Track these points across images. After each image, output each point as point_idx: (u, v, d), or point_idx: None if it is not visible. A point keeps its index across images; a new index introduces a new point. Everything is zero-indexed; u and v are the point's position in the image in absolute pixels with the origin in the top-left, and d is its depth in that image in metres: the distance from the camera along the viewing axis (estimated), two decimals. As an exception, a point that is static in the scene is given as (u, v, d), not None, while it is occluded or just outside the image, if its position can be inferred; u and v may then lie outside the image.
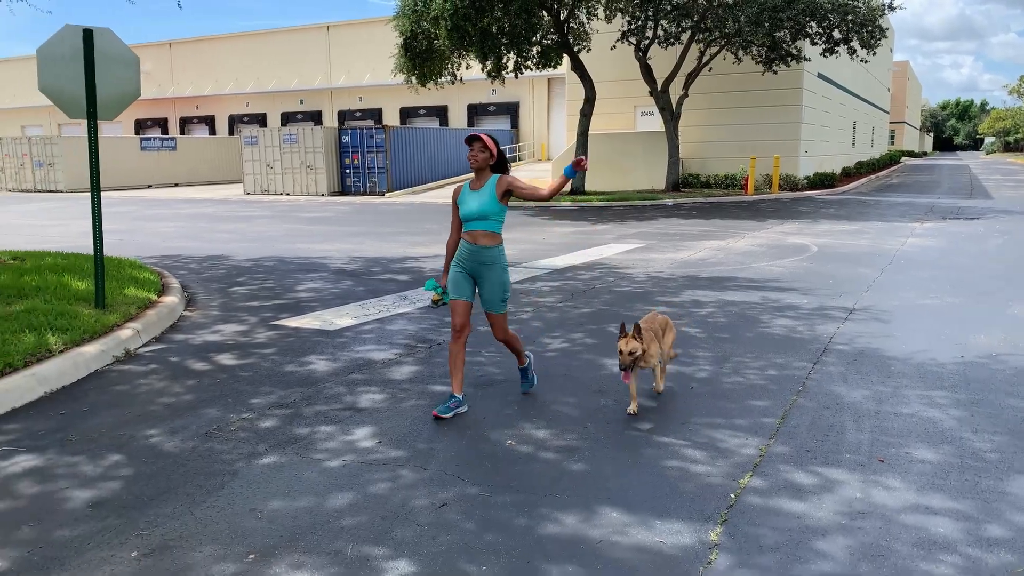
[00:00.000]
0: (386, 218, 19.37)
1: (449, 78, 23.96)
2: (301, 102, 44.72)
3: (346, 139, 30.20)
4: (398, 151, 30.05)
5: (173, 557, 3.05)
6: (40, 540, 3.18)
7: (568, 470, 3.87)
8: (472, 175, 4.77)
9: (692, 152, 26.17)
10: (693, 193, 23.55)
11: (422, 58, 22.92)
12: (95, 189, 6.89)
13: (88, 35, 6.59)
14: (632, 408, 4.62)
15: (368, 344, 6.41)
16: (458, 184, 4.90)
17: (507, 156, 6.31)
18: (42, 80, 6.59)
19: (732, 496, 3.52)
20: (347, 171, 30.30)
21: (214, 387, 5.28)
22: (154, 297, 7.70)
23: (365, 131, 30.21)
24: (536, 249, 12.49)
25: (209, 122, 47.65)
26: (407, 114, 42.21)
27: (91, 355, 5.72)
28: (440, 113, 41.48)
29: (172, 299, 7.79)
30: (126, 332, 6.36)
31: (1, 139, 35.43)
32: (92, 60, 6.61)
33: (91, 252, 7.78)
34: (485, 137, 4.63)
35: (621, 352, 4.45)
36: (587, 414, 4.69)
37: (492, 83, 23.68)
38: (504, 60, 22.15)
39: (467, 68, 24.11)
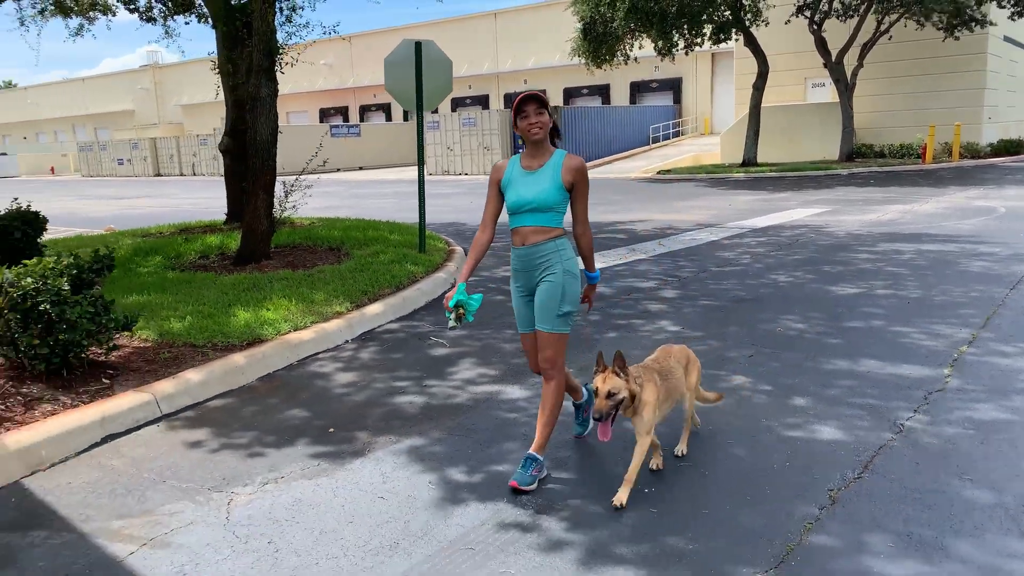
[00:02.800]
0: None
1: (622, 58, 25.50)
2: (470, 87, 47.53)
3: (520, 120, 32.50)
4: (567, 130, 31.96)
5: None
6: (474, 377, 5.25)
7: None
8: (519, 152, 3.60)
9: (866, 122, 26.31)
10: (867, 163, 23.87)
11: (598, 41, 24.59)
12: (420, 164, 9.18)
13: (418, 46, 8.81)
14: (655, 463, 3.59)
15: (628, 278, 8.27)
16: (500, 161, 3.63)
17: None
18: (387, 82, 8.91)
19: (955, 355, 5.07)
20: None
21: (537, 300, 7.32)
22: (446, 248, 9.97)
23: (538, 112, 32.36)
24: (728, 213, 13.96)
25: (386, 109, 51.54)
26: (570, 94, 44.00)
27: (441, 279, 7.96)
28: (602, 92, 42.98)
29: (459, 249, 10.02)
30: (451, 266, 8.59)
31: (211, 134, 40.57)
32: (420, 65, 8.84)
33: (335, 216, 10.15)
34: (538, 94, 3.42)
35: (597, 393, 3.26)
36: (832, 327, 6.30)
37: (661, 60, 24.97)
38: (675, 38, 23.43)
39: (639, 48, 25.52)
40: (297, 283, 7.31)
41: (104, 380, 4.74)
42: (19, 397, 4.39)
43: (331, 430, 4.21)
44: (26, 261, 4.70)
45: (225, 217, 12.86)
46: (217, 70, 12.07)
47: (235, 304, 6.48)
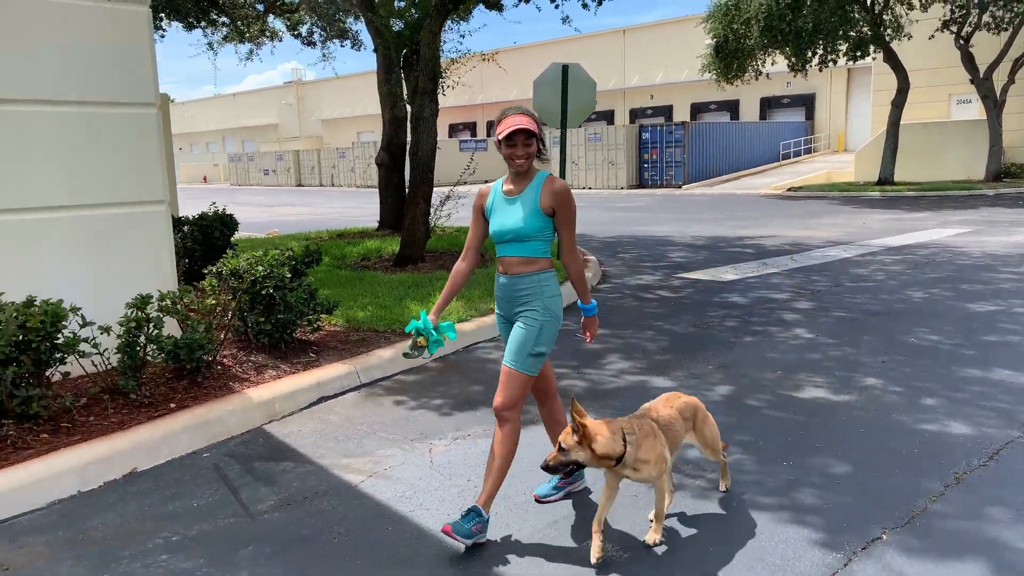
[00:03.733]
0: (695, 207, 21.50)
1: (754, 74, 25.44)
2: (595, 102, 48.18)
3: (645, 136, 32.83)
4: (695, 145, 32.01)
5: (735, 370, 5.50)
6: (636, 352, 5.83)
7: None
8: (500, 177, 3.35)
9: (1016, 140, 25.04)
10: (1017, 183, 22.74)
11: (730, 57, 24.68)
12: (562, 175, 9.88)
13: (565, 68, 9.55)
14: (593, 555, 3.00)
15: (761, 290, 8.63)
16: (484, 185, 3.39)
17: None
18: (535, 101, 9.70)
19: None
20: (645, 165, 32.92)
21: (673, 306, 7.84)
22: (580, 256, 10.62)
23: (664, 128, 32.61)
24: (861, 231, 13.91)
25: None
26: (697, 109, 43.85)
27: (580, 285, 8.61)
28: (731, 107, 42.60)
29: (593, 258, 10.65)
30: (589, 274, 9.23)
31: (349, 147, 43.12)
32: (566, 85, 9.57)
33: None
34: (528, 121, 3.14)
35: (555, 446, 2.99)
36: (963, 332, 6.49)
37: (795, 75, 24.73)
38: (810, 55, 23.20)
39: (772, 64, 25.38)
40: (454, 283, 8.15)
41: (311, 354, 5.67)
42: (250, 363, 5.37)
43: (503, 403, 4.93)
44: (253, 253, 5.70)
45: (377, 224, 14.04)
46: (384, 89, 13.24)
47: (405, 298, 7.38)
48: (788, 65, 23.98)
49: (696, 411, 3.43)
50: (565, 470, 3.03)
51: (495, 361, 5.93)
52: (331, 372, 5.28)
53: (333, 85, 58.69)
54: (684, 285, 9.08)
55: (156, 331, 4.62)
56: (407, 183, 10.63)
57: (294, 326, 5.66)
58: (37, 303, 4.21)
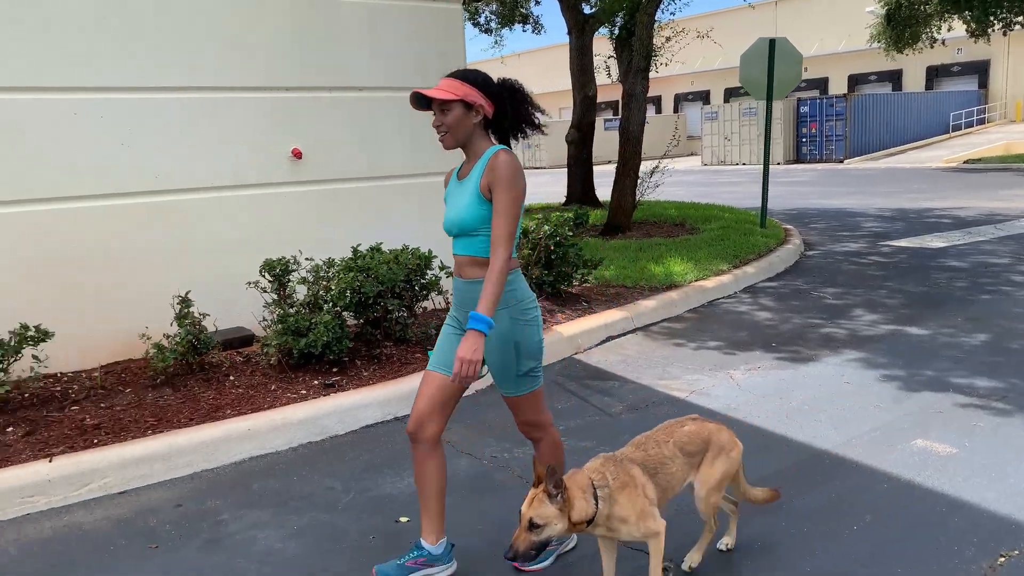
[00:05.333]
0: (864, 180, 21.03)
1: (928, 42, 24.37)
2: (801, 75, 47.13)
3: (804, 109, 32.06)
4: (856, 118, 30.96)
5: (986, 321, 5.88)
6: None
7: None
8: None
9: None
10: None
11: (902, 25, 23.76)
12: (767, 149, 10.33)
13: (772, 42, 9.95)
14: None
15: (977, 255, 8.76)
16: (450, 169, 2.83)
17: (523, 100, 2.67)
18: (742, 74, 10.17)
19: None
20: (803, 140, 32.18)
21: (893, 270, 8.17)
22: (780, 225, 11.00)
23: (824, 100, 31.73)
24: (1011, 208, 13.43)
25: (655, 102, 52.65)
26: (855, 81, 42.10)
27: (791, 249, 9.07)
28: (892, 78, 40.62)
29: (792, 227, 11.01)
30: (795, 241, 9.66)
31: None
32: (772, 59, 9.97)
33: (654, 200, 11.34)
34: (451, 83, 2.55)
35: (520, 517, 2.32)
36: None
37: (975, 41, 23.49)
38: (993, 19, 21.99)
39: (948, 30, 24.21)
40: (672, 248, 8.82)
41: (584, 303, 6.52)
42: (543, 306, 6.27)
43: (773, 344, 5.58)
44: (534, 216, 6.59)
45: (564, 199, 14.89)
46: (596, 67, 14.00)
47: (639, 260, 8.14)
48: (967, 31, 22.83)
49: (709, 442, 2.66)
50: (534, 555, 2.30)
51: (743, 313, 6.58)
52: (612, 316, 6.10)
53: (493, 66, 60.18)
54: (894, 252, 9.33)
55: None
56: (594, 159, 11.32)
57: (570, 279, 6.53)
58: (406, 251, 5.25)
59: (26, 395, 4.47)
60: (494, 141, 2.66)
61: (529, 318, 2.63)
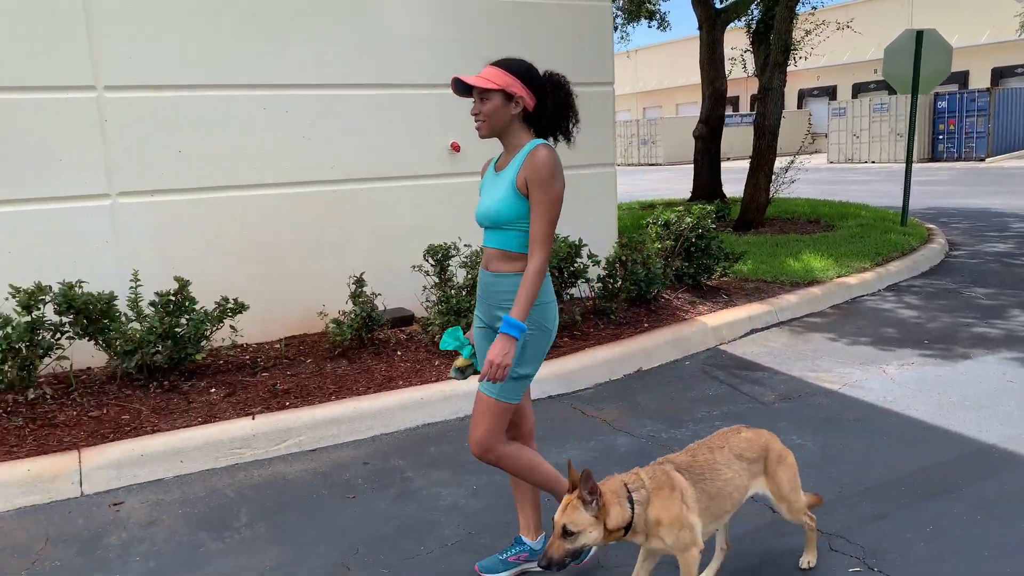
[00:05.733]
0: (1009, 180, 19.75)
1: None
2: (875, 71, 44.96)
3: (941, 104, 30.32)
4: (1001, 114, 29.07)
5: None
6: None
7: None
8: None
9: None
10: None
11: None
12: (909, 156, 9.99)
13: (919, 34, 9.60)
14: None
15: None
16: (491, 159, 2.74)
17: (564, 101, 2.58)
18: (886, 68, 9.87)
19: None
20: (939, 137, 30.46)
21: (1052, 271, 7.77)
22: (922, 224, 10.59)
23: (965, 95, 29.92)
24: None
25: (831, 92, 51.01)
26: (1000, 74, 39.39)
27: (936, 249, 8.74)
28: (1043, 70, 37.78)
29: (934, 226, 10.57)
30: (939, 240, 9.29)
31: (628, 122, 44.15)
32: (919, 51, 9.61)
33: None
34: (492, 71, 2.53)
35: (554, 524, 2.25)
36: None
37: None
38: None
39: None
40: (810, 244, 8.69)
41: (724, 296, 6.57)
42: (682, 299, 6.39)
43: (925, 341, 5.48)
44: (675, 210, 6.69)
45: (690, 195, 14.81)
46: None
47: (776, 255, 8.08)
48: None
49: (768, 449, 2.57)
50: (567, 562, 2.23)
51: (889, 310, 6.45)
52: (755, 310, 6.14)
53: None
54: (1053, 253, 8.84)
55: (632, 264, 5.76)
56: (723, 155, 11.18)
57: (711, 271, 6.60)
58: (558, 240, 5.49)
59: (222, 361, 5.00)
60: (534, 135, 2.58)
61: (543, 324, 2.52)
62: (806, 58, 12.23)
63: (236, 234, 5.36)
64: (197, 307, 4.65)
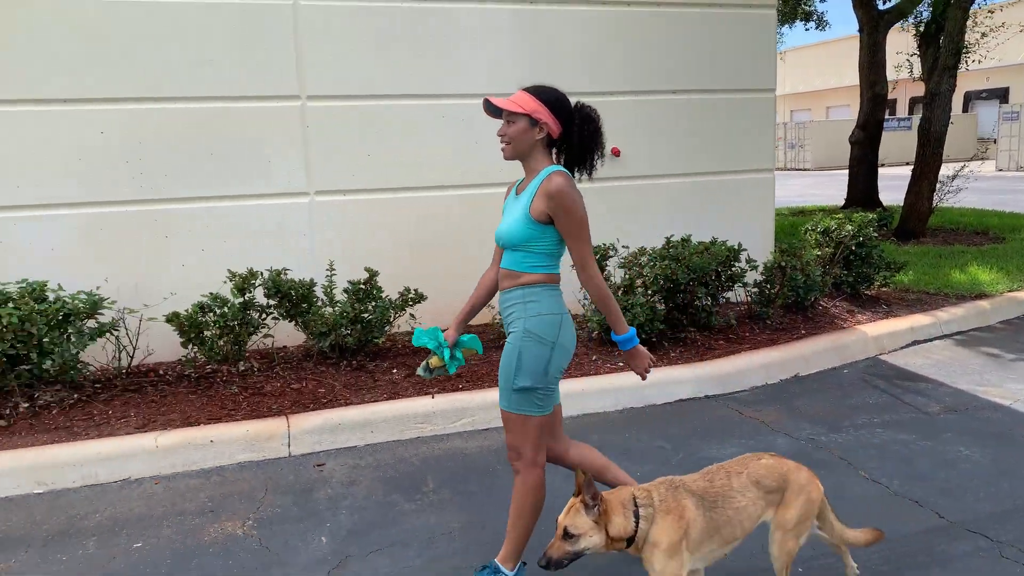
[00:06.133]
0: None
1: None
2: None
3: None
4: None
5: None
6: None
7: None
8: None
9: None
10: None
11: None
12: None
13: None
14: None
15: None
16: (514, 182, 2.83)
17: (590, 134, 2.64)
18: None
19: None
20: None
21: None
22: (1110, 237, 9.79)
23: None
24: None
25: (1002, 94, 47.78)
26: None
27: None
28: None
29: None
30: None
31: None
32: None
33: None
34: (522, 96, 2.61)
35: (557, 530, 2.31)
36: None
37: None
38: None
39: None
40: (977, 256, 8.28)
41: (884, 306, 6.45)
42: (840, 307, 6.33)
43: (1111, 362, 5.19)
44: (835, 216, 6.63)
45: (844, 203, 14.30)
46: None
47: (939, 266, 7.78)
48: None
49: (787, 480, 2.46)
50: (565, 563, 2.27)
51: (1071, 328, 6.11)
52: (918, 321, 6.00)
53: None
54: None
55: (791, 270, 5.79)
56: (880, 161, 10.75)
57: (870, 281, 6.49)
58: (713, 245, 5.61)
59: (400, 345, 5.49)
60: (554, 161, 2.65)
61: (541, 335, 2.55)
62: (980, 61, 11.55)
63: (414, 231, 5.84)
64: (383, 296, 5.14)
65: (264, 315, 5.07)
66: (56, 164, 5.09)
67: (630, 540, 2.28)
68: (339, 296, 5.20)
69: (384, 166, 5.72)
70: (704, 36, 6.36)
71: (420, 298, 5.24)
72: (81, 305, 4.65)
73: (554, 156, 2.67)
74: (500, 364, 2.62)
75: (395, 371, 5.02)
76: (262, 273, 5.03)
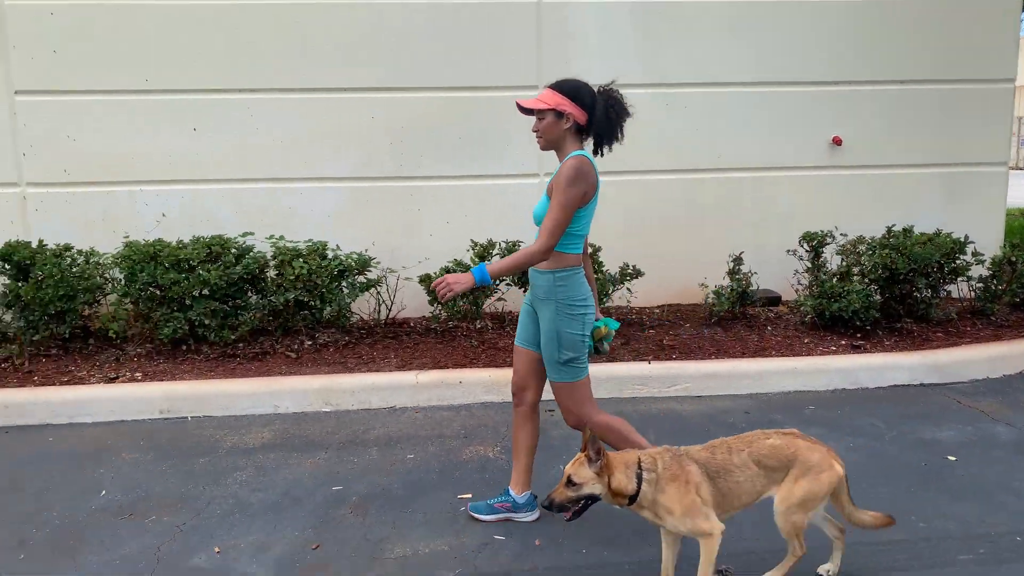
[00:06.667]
0: None
1: None
2: None
3: None
4: None
5: None
6: None
7: None
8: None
9: None
10: None
11: None
12: None
13: None
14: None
15: None
16: None
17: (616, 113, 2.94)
18: None
19: None
20: None
21: None
22: None
23: None
24: None
25: None
26: None
27: None
28: None
29: None
30: None
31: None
32: None
33: None
34: (546, 93, 2.90)
35: (563, 477, 2.53)
36: None
37: None
38: None
39: None
40: None
41: None
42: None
43: None
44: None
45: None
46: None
47: None
48: None
49: (794, 460, 2.55)
50: (575, 508, 2.51)
51: None
52: None
53: None
54: None
55: (1022, 266, 5.60)
56: None
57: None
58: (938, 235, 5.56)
59: (616, 317, 5.96)
60: (583, 146, 2.93)
61: (574, 313, 2.90)
62: None
63: (637, 212, 6.27)
64: (603, 270, 5.63)
65: (497, 281, 5.72)
66: (336, 143, 6.03)
67: (632, 499, 2.48)
68: (564, 268, 5.74)
69: (615, 150, 6.17)
70: (929, 24, 6.23)
71: (638, 273, 5.66)
72: (353, 263, 5.52)
73: (583, 140, 2.96)
74: (542, 342, 2.97)
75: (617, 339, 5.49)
76: (500, 244, 5.68)
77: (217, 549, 3.09)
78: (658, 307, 6.31)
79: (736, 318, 5.81)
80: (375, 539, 3.14)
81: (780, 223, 6.33)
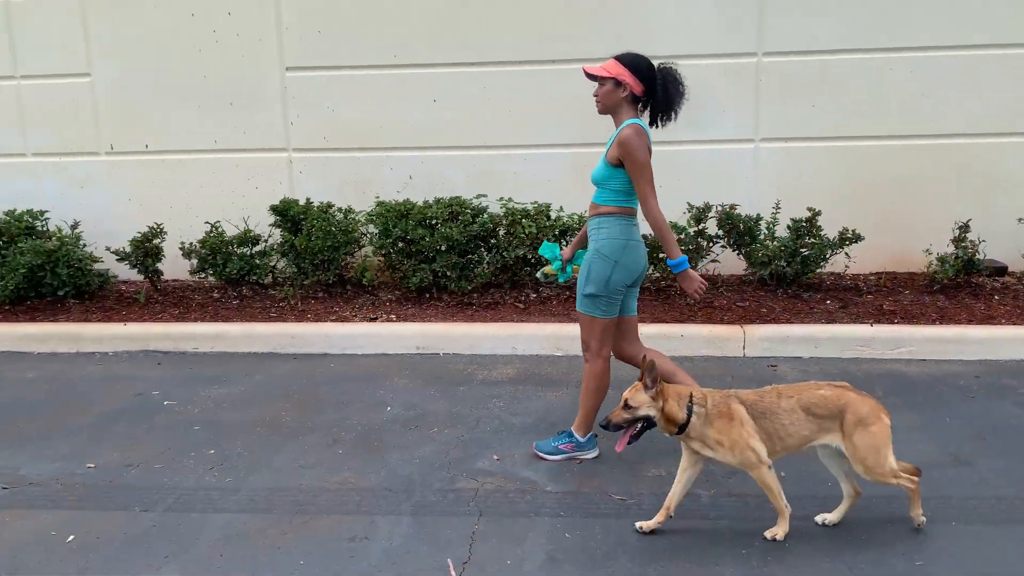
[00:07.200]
0: None
1: None
2: None
3: None
4: None
5: None
6: None
7: None
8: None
9: None
10: None
11: None
12: None
13: None
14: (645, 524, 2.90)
15: None
16: None
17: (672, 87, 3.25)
18: None
19: None
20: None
21: None
22: None
23: None
24: None
25: None
26: None
27: None
28: None
29: None
30: None
31: None
32: None
33: None
34: (611, 63, 3.25)
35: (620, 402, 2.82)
36: None
37: None
38: None
39: None
40: None
41: None
42: None
43: None
44: None
45: None
46: None
47: None
48: None
49: (844, 411, 2.70)
50: (629, 429, 2.78)
51: None
52: None
53: None
54: None
55: None
56: None
57: None
58: None
59: (827, 282, 6.02)
60: (638, 114, 3.27)
61: (606, 253, 3.26)
62: None
63: (851, 178, 6.25)
64: (822, 234, 5.70)
65: (711, 243, 5.94)
66: (559, 112, 6.46)
67: (682, 428, 2.75)
68: (779, 232, 5.87)
69: (826, 116, 6.19)
70: None
71: (857, 238, 5.69)
72: (573, 224, 5.95)
73: (639, 110, 3.30)
74: (579, 275, 3.41)
75: (828, 302, 5.58)
76: (716, 207, 5.89)
77: (496, 457, 3.63)
78: (872, 274, 6.28)
79: (960, 286, 5.70)
80: (631, 460, 3.55)
81: (1008, 191, 6.08)
